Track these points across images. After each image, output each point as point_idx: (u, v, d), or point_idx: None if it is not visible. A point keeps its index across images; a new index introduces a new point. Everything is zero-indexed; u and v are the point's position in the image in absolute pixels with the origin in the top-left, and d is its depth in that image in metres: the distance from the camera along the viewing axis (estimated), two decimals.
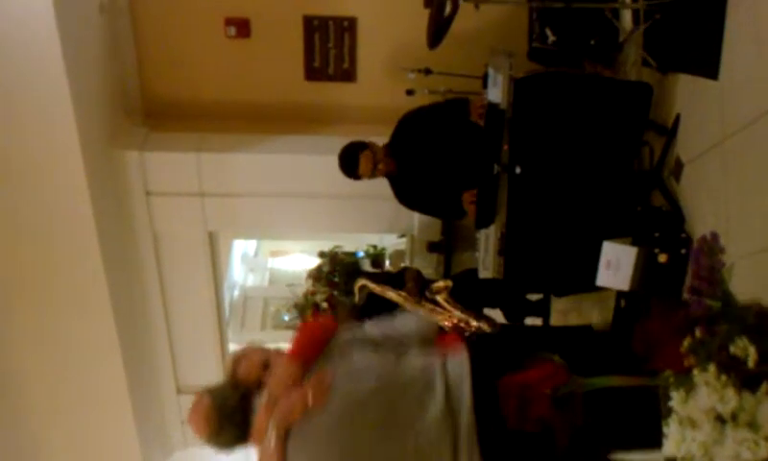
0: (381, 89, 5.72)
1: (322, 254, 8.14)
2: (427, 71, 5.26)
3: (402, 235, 6.95)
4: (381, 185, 4.64)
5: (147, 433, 6.44)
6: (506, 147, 3.92)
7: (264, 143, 5.76)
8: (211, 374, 6.59)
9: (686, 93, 3.87)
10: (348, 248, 9.96)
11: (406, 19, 5.31)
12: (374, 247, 10.36)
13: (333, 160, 4.54)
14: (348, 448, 2.42)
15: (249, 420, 2.60)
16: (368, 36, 5.74)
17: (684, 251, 3.65)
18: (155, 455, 6.69)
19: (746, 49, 3.23)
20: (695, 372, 1.56)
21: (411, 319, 2.98)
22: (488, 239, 4.09)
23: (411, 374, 2.54)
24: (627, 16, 4.35)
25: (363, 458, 2.44)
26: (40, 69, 4.68)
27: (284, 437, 2.43)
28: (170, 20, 5.67)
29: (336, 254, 7.59)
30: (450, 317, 4.16)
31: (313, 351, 2.61)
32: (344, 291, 6.77)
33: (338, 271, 7.15)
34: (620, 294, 4.10)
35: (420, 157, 4.41)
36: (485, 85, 4.08)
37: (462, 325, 4.14)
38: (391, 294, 4.14)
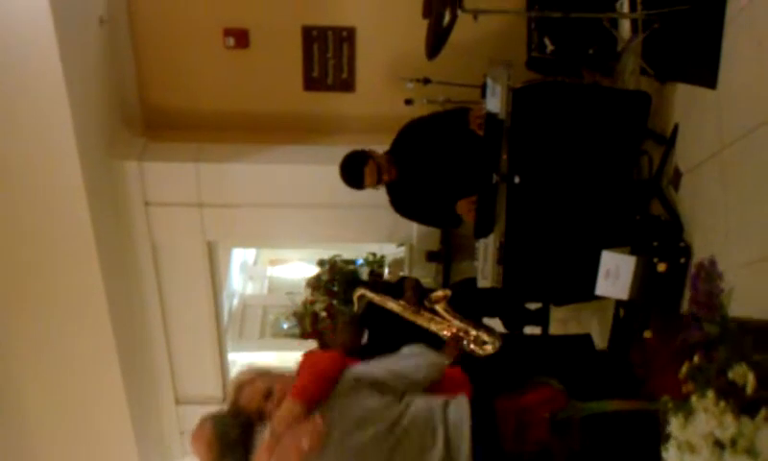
0: (380, 99, 5.74)
1: (321, 263, 8.13)
2: (426, 81, 5.28)
3: (401, 244, 6.95)
4: (380, 195, 4.64)
5: (145, 443, 6.42)
6: (505, 157, 3.92)
7: (263, 153, 5.76)
8: (210, 384, 6.62)
9: (685, 102, 3.87)
10: (348, 256, 9.97)
11: (405, 29, 5.32)
12: (374, 255, 10.37)
13: (332, 170, 4.54)
14: None
15: (250, 452, 2.61)
16: (366, 47, 5.76)
17: (683, 260, 3.65)
18: None
19: (744, 58, 3.23)
20: (693, 398, 1.55)
21: (417, 359, 2.97)
22: (487, 248, 4.09)
23: (413, 419, 2.56)
24: (625, 26, 4.37)
25: None
26: (40, 80, 4.69)
27: None
28: (169, 31, 5.69)
29: (335, 262, 7.59)
30: (449, 326, 4.16)
31: (318, 389, 2.62)
32: (343, 300, 6.76)
33: (337, 280, 7.15)
34: (619, 303, 4.10)
35: (421, 166, 4.41)
36: (483, 96, 4.09)
37: (461, 334, 4.15)
38: (390, 303, 4.14)
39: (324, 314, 6.76)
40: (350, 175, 4.41)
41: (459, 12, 3.84)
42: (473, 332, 4.21)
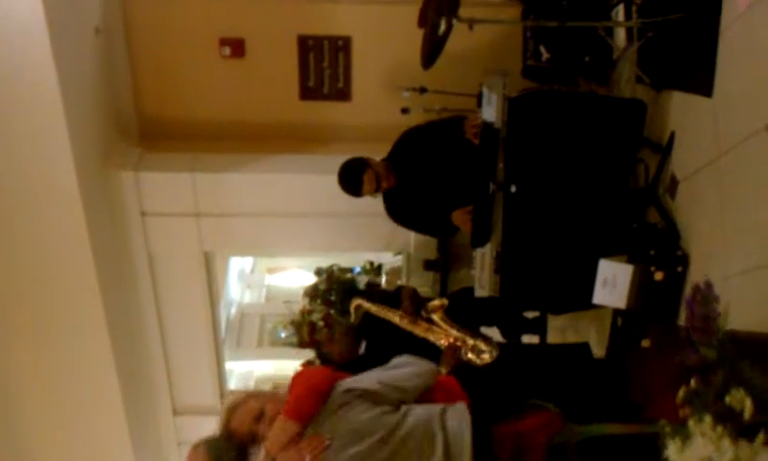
0: (376, 108, 5.74)
1: (318, 272, 8.11)
2: (422, 90, 5.29)
3: (398, 253, 6.94)
4: (377, 204, 4.63)
5: (143, 454, 6.41)
6: (501, 166, 3.91)
7: (259, 163, 5.76)
8: (207, 394, 6.60)
9: (681, 110, 3.87)
10: (346, 264, 9.95)
11: (400, 38, 5.32)
12: (371, 264, 10.34)
13: (329, 179, 4.53)
14: None
15: None
16: (362, 56, 5.76)
17: (680, 268, 3.65)
18: None
19: (740, 66, 3.24)
20: (691, 422, 1.54)
21: (407, 368, 2.95)
22: (484, 258, 4.08)
23: (410, 427, 2.54)
24: (621, 34, 4.38)
25: None
26: (35, 90, 4.68)
27: None
28: (165, 40, 5.69)
29: (332, 272, 7.56)
30: (446, 335, 4.15)
31: (310, 408, 2.60)
32: (340, 310, 6.73)
33: (334, 289, 7.11)
34: (617, 312, 4.09)
35: (418, 174, 4.41)
36: (479, 105, 4.08)
37: (458, 343, 4.13)
38: (387, 313, 4.13)
39: (321, 324, 6.74)
40: (349, 182, 4.40)
41: (454, 21, 3.84)
42: (470, 341, 4.20)
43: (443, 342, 4.14)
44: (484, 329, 4.60)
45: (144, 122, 5.93)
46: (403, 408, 2.66)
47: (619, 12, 4.32)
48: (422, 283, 6.25)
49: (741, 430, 1.52)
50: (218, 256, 6.98)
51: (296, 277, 12.65)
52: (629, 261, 3.70)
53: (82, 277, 5.34)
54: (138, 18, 5.65)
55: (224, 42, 5.66)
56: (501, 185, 3.91)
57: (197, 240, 5.90)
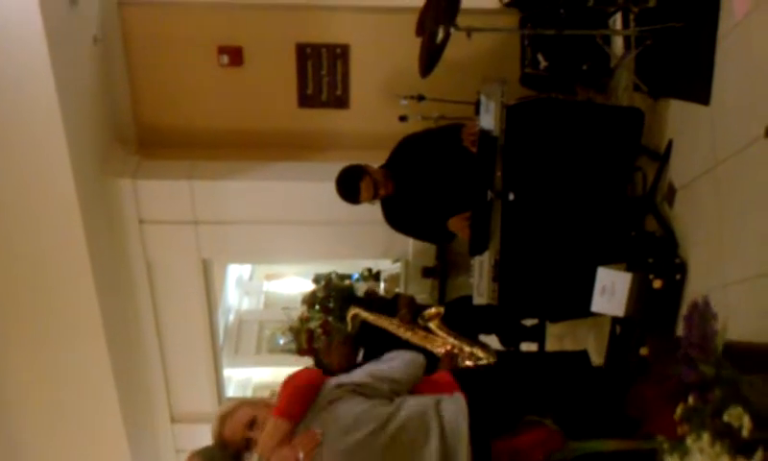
0: (374, 116, 5.74)
1: (317, 280, 8.12)
2: (420, 98, 5.29)
3: (397, 260, 6.94)
4: (375, 211, 4.64)
5: None
6: (499, 174, 3.92)
7: (257, 170, 5.76)
8: (205, 402, 6.59)
9: (678, 118, 3.88)
10: (344, 271, 9.95)
11: (399, 46, 5.33)
12: (369, 270, 10.34)
13: (327, 187, 4.54)
14: None
15: None
16: (361, 64, 5.77)
17: (678, 276, 3.65)
18: None
19: (737, 75, 3.24)
20: (689, 440, 1.54)
21: (398, 359, 2.95)
22: (482, 265, 4.08)
23: (405, 417, 2.52)
24: (618, 42, 4.38)
25: None
26: (33, 98, 4.68)
27: None
28: (163, 49, 5.69)
29: (330, 279, 7.57)
30: (444, 343, 4.16)
31: (300, 406, 2.59)
32: (338, 317, 6.74)
33: (333, 297, 7.13)
34: (615, 320, 4.08)
35: (416, 181, 4.41)
36: (477, 113, 4.09)
37: (455, 351, 4.14)
38: (384, 322, 4.13)
39: (319, 331, 6.75)
40: (347, 189, 4.40)
41: (452, 29, 3.84)
42: (467, 349, 4.21)
43: (440, 350, 4.15)
44: (482, 337, 4.61)
45: (142, 130, 5.93)
46: (397, 400, 2.64)
47: (617, 21, 4.32)
48: (421, 290, 6.25)
49: (739, 447, 1.52)
50: (216, 263, 6.97)
51: (294, 283, 12.65)
52: (627, 269, 3.70)
53: (79, 284, 5.33)
54: (136, 27, 5.65)
55: (222, 50, 5.67)
56: (499, 193, 3.91)
57: (195, 248, 5.90)
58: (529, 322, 5.04)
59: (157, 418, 6.64)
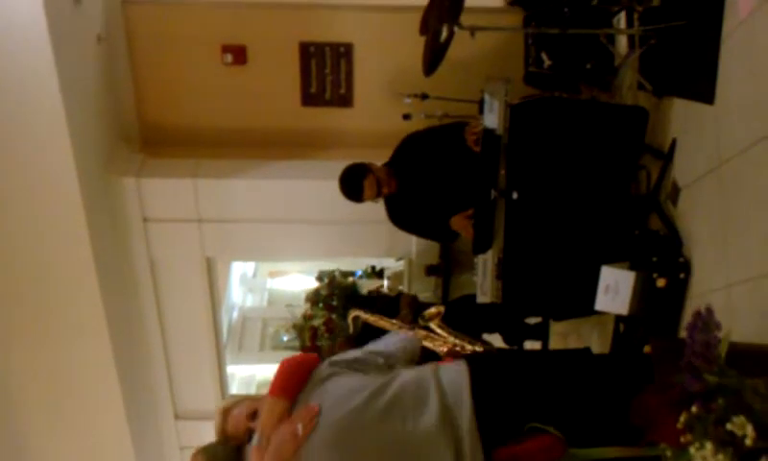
0: (378, 114, 5.75)
1: (320, 277, 8.12)
2: (424, 96, 5.30)
3: (400, 258, 6.94)
4: (378, 210, 4.64)
5: (145, 459, 6.40)
6: (503, 172, 3.92)
7: (261, 169, 5.76)
8: (209, 399, 6.59)
9: (682, 117, 3.87)
10: (348, 268, 9.94)
11: (402, 45, 5.33)
12: (373, 268, 10.34)
13: (330, 185, 4.54)
14: (348, 458, 2.39)
15: None
16: (364, 62, 5.77)
17: (682, 275, 3.65)
18: None
19: (741, 74, 3.24)
20: (692, 449, 1.54)
21: (395, 336, 2.94)
22: (485, 264, 4.08)
23: (401, 383, 2.49)
24: (622, 41, 4.38)
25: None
26: (37, 97, 4.69)
27: None
28: (167, 48, 5.70)
29: (334, 277, 7.57)
30: (445, 342, 4.16)
31: (294, 383, 2.58)
32: (342, 315, 6.74)
33: (336, 295, 7.13)
34: (619, 318, 4.09)
35: (419, 179, 4.41)
36: (481, 112, 4.09)
37: (457, 349, 4.14)
38: (384, 323, 4.13)
39: (323, 329, 6.75)
40: (350, 187, 4.41)
41: (456, 28, 3.84)
42: (469, 347, 4.21)
43: (441, 349, 4.15)
44: (486, 336, 4.61)
45: (146, 128, 5.94)
46: (393, 371, 2.63)
47: (621, 20, 4.32)
48: (424, 288, 6.25)
49: (743, 457, 1.51)
50: (220, 261, 6.98)
51: (298, 280, 12.65)
52: (631, 268, 3.71)
53: (83, 282, 5.34)
54: (140, 26, 5.66)
55: (226, 49, 5.68)
56: (503, 192, 3.91)
57: (198, 246, 5.91)
58: (532, 320, 5.04)
59: (161, 415, 6.65)
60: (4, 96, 4.64)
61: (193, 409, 6.69)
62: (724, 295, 3.31)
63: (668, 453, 1.64)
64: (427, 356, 4.17)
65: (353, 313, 4.09)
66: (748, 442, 1.48)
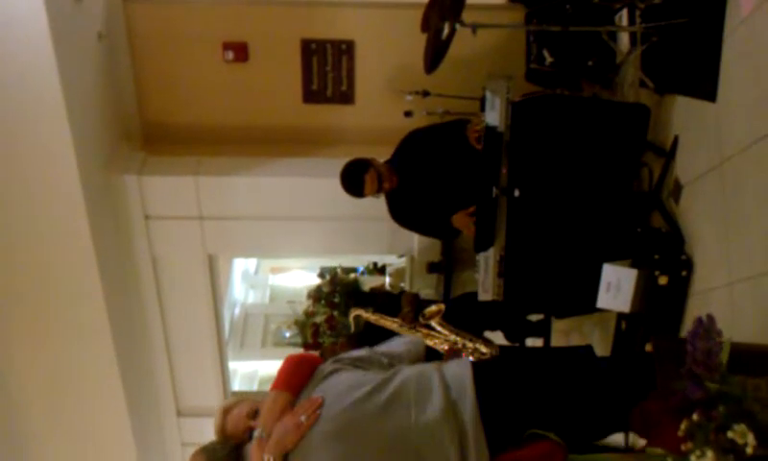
0: (379, 111, 5.75)
1: (322, 274, 8.12)
2: (425, 93, 5.30)
3: (402, 256, 6.94)
4: (380, 207, 4.64)
5: (147, 455, 6.41)
6: (504, 170, 3.91)
7: (262, 166, 5.76)
8: (211, 396, 6.60)
9: (684, 115, 3.87)
10: (350, 264, 9.94)
11: (404, 42, 5.32)
12: (375, 264, 10.34)
13: (332, 183, 4.54)
14: (349, 451, 2.39)
15: None
16: (366, 59, 5.76)
17: (684, 273, 3.65)
18: None
19: (743, 71, 3.23)
20: (693, 457, 1.54)
21: (397, 339, 2.96)
22: (487, 261, 4.08)
23: (403, 378, 2.49)
24: (624, 39, 4.37)
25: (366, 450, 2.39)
26: (38, 95, 4.68)
27: None
28: (168, 45, 5.69)
29: (336, 274, 7.57)
30: (446, 340, 4.16)
31: (297, 379, 2.58)
32: (344, 312, 6.75)
33: (338, 292, 7.12)
34: (621, 316, 4.08)
35: (421, 176, 4.41)
36: (483, 109, 4.08)
37: (458, 347, 4.14)
38: (386, 322, 4.14)
39: (325, 326, 6.75)
40: (351, 182, 4.40)
41: (457, 25, 3.83)
42: (470, 345, 4.21)
43: (443, 347, 4.16)
44: (488, 333, 4.61)
45: (147, 126, 5.93)
46: (395, 368, 2.64)
47: (623, 17, 4.31)
48: (426, 286, 6.25)
49: None
50: (221, 257, 6.98)
51: (300, 277, 12.67)
52: (633, 265, 3.70)
53: (85, 280, 5.34)
54: (141, 23, 5.66)
55: (227, 46, 5.67)
56: (505, 190, 3.91)
57: (200, 243, 5.91)
58: (534, 317, 5.04)
59: (163, 411, 6.66)
60: (5, 94, 4.63)
61: (195, 406, 6.70)
62: (726, 292, 3.30)
63: (669, 460, 1.64)
64: (429, 355, 4.19)
65: (355, 312, 4.09)
66: (749, 450, 1.48)
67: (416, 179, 4.44)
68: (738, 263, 3.22)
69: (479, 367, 2.54)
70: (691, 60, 3.66)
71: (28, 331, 5.50)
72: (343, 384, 2.50)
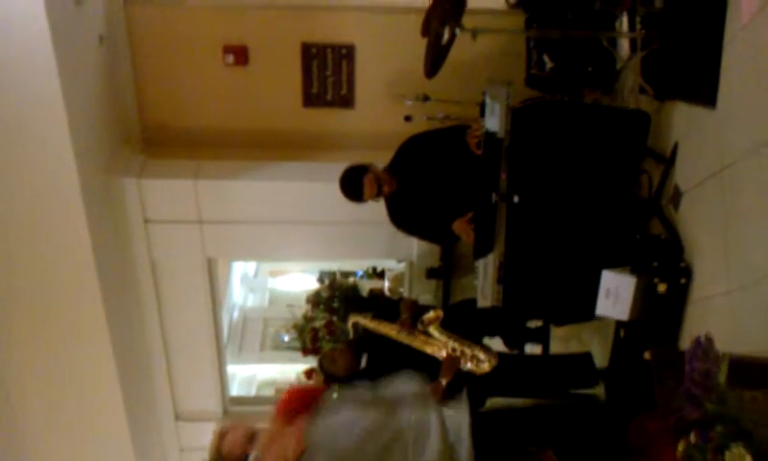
0: (379, 116, 5.75)
1: (321, 279, 8.13)
2: (425, 98, 5.30)
3: (401, 261, 6.94)
4: (379, 212, 4.63)
5: (145, 460, 6.40)
6: (504, 176, 3.90)
7: (262, 170, 5.75)
8: (209, 400, 6.60)
9: (684, 121, 3.86)
10: (349, 268, 9.91)
11: (404, 47, 5.33)
12: (374, 269, 10.33)
13: (331, 187, 4.53)
14: None
15: None
16: (366, 64, 5.76)
17: (683, 280, 3.63)
18: None
19: (743, 78, 3.22)
20: None
21: (406, 381, 2.96)
22: (486, 268, 4.07)
23: (404, 424, 2.51)
24: (624, 45, 4.36)
25: None
26: (38, 97, 4.69)
27: None
28: (168, 48, 5.70)
29: (335, 278, 7.57)
30: (445, 346, 4.16)
31: (298, 407, 2.61)
32: (342, 318, 6.75)
33: (337, 296, 7.13)
34: (620, 323, 4.08)
35: (420, 182, 4.40)
36: (482, 114, 4.08)
37: (457, 354, 4.14)
38: (384, 328, 4.13)
39: (324, 331, 6.76)
40: (350, 187, 4.39)
41: (458, 30, 3.83)
42: (469, 351, 4.21)
43: (442, 353, 4.15)
44: (486, 340, 4.60)
45: (147, 129, 5.93)
46: (396, 410, 2.64)
47: (623, 23, 4.31)
48: (425, 291, 6.25)
49: None
50: (221, 260, 6.97)
51: (299, 280, 12.64)
52: (632, 273, 3.69)
53: (84, 283, 5.34)
54: (142, 26, 5.66)
55: (227, 50, 5.67)
56: (504, 196, 3.90)
57: (199, 247, 5.90)
58: (533, 324, 5.03)
59: (162, 416, 6.65)
60: (5, 97, 4.63)
61: (193, 410, 6.69)
62: (725, 300, 3.29)
63: None
64: (427, 361, 4.19)
65: (353, 319, 4.08)
66: None
67: (415, 183, 4.43)
68: (737, 271, 3.21)
69: (477, 412, 2.56)
70: (691, 67, 3.65)
71: (26, 335, 5.49)
72: (345, 420, 2.51)
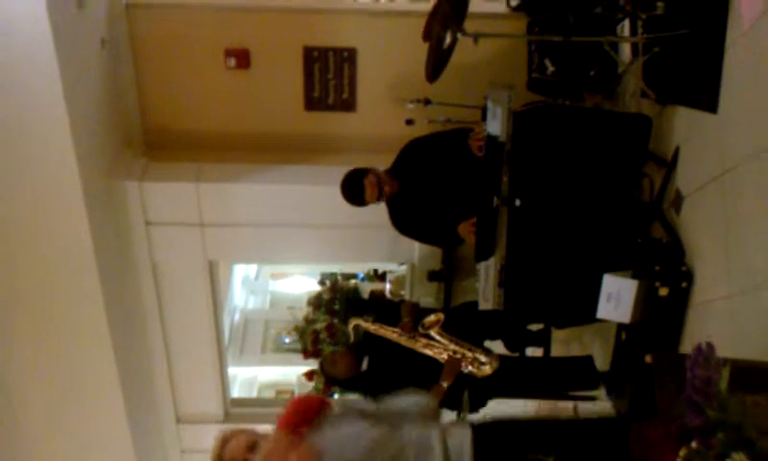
0: (381, 119, 5.76)
1: (322, 281, 8.13)
2: (427, 101, 5.30)
3: (402, 264, 6.95)
4: (381, 215, 4.63)
5: None
6: (505, 179, 3.90)
7: (264, 173, 5.76)
8: (210, 403, 6.61)
9: (686, 125, 3.87)
10: (350, 270, 9.93)
11: (406, 50, 5.34)
12: (375, 271, 10.34)
13: (333, 190, 4.53)
14: None
15: None
16: (367, 67, 5.77)
17: (684, 284, 3.64)
18: None
19: (745, 83, 3.23)
20: None
21: (411, 398, 2.96)
22: (488, 271, 4.07)
23: (406, 440, 2.52)
24: (626, 49, 4.37)
25: None
26: (41, 101, 4.69)
27: None
28: (170, 52, 5.71)
29: (336, 281, 7.58)
30: (446, 349, 4.16)
31: (302, 419, 2.61)
32: (344, 320, 6.75)
33: (338, 299, 7.13)
34: (621, 326, 4.08)
35: (422, 185, 4.41)
36: (484, 118, 4.08)
37: (458, 356, 4.14)
38: (385, 332, 4.13)
39: (324, 334, 6.76)
40: (351, 189, 4.38)
41: (459, 34, 3.83)
42: (470, 354, 4.22)
43: (442, 356, 4.15)
44: (488, 343, 4.61)
45: (149, 132, 5.94)
46: (399, 427, 2.65)
47: (625, 27, 4.31)
48: (426, 294, 6.25)
49: None
50: (222, 262, 6.98)
51: (300, 282, 12.66)
52: (633, 276, 3.70)
53: (86, 285, 5.34)
54: (144, 30, 5.67)
55: (229, 53, 5.68)
56: (505, 199, 3.90)
57: (201, 250, 5.91)
58: (535, 326, 5.03)
59: (163, 418, 6.66)
60: (8, 100, 4.64)
61: (194, 412, 6.70)
62: (726, 304, 3.30)
63: None
64: (428, 364, 4.19)
65: (354, 322, 4.09)
66: None
67: (417, 187, 4.43)
68: (738, 275, 3.22)
69: (479, 431, 2.56)
70: (693, 72, 3.66)
71: (28, 337, 5.50)
72: (349, 434, 2.52)
